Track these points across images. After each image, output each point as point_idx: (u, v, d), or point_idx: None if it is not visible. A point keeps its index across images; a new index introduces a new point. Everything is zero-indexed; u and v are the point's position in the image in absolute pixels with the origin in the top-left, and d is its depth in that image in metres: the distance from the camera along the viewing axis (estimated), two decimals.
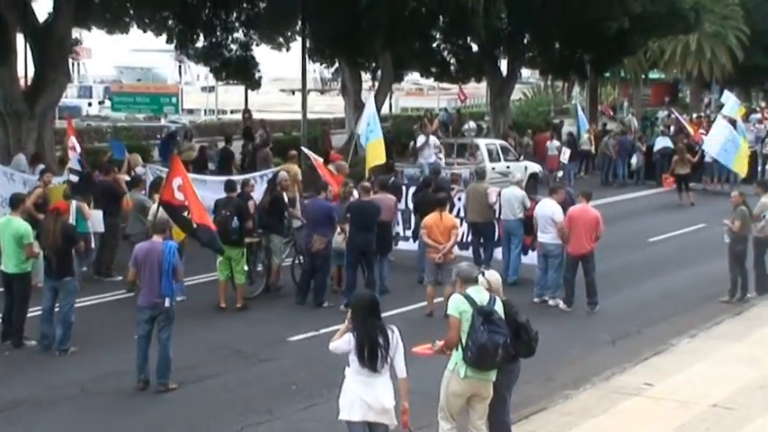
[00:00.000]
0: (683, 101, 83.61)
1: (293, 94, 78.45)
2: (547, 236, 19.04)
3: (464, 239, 21.58)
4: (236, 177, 22.84)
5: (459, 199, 22.30)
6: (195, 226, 16.06)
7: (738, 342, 15.88)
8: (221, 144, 33.59)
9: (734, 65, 70.07)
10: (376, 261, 19.06)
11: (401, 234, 22.76)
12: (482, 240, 21.53)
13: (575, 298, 18.73)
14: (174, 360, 13.67)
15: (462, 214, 21.86)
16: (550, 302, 18.97)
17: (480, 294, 10.32)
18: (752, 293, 19.74)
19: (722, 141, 26.02)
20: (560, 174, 34.51)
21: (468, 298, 10.23)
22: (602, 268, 20.32)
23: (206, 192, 20.73)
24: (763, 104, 78.27)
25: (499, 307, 10.30)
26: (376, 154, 25.10)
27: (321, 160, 24.51)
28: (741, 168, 27.37)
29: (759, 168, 39.26)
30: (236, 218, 18.34)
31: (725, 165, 28.61)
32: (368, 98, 26.14)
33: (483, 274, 10.73)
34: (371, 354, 9.46)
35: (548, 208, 19.16)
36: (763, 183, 21.32)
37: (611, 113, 70.68)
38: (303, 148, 27.96)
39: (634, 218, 30.29)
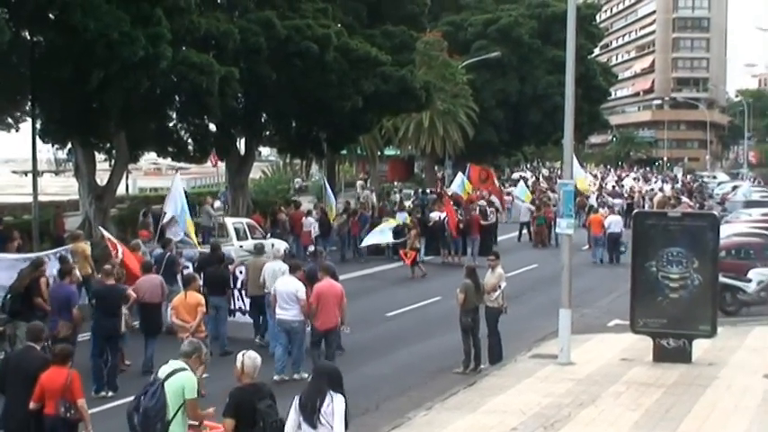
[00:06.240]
0: (418, 176, 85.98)
1: (26, 175, 75.98)
2: (289, 312, 19.13)
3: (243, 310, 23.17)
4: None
5: (241, 272, 23.15)
6: None
7: (473, 412, 16.18)
8: None
9: (465, 141, 72.84)
10: (150, 341, 19.37)
11: None
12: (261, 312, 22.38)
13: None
14: None
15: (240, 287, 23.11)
16: (295, 376, 18.97)
17: (164, 367, 10.88)
18: (485, 364, 20.28)
19: None
20: (312, 248, 34.60)
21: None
22: (342, 344, 20.52)
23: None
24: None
25: (175, 381, 10.60)
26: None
27: (116, 241, 24.37)
28: None
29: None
30: None
31: None
32: (175, 177, 27.15)
33: (242, 355, 10.77)
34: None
35: (291, 285, 19.29)
36: (497, 254, 22.05)
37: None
38: (101, 228, 27.85)
39: (372, 293, 30.72)
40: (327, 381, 10.30)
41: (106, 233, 25.66)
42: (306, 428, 10.18)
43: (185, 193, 31.48)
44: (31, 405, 11.94)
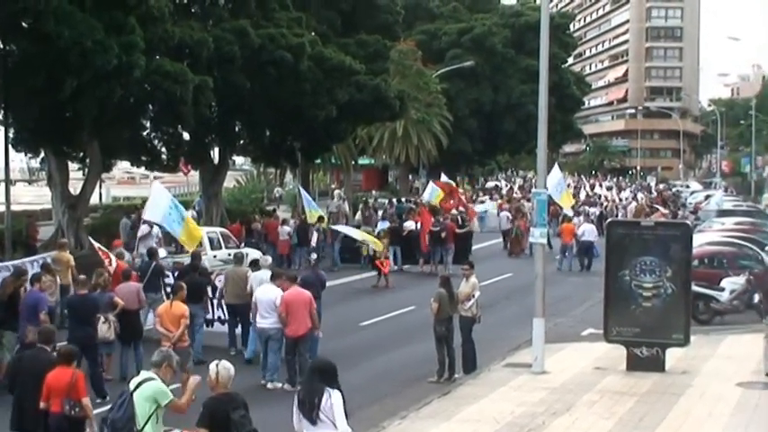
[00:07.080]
0: (392, 186, 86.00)
1: None
2: (268, 320, 19.32)
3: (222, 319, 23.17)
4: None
5: (221, 281, 23.17)
6: None
7: (447, 421, 16.19)
8: None
9: (439, 150, 72.89)
10: (126, 348, 19.64)
11: None
12: (239, 320, 22.40)
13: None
14: None
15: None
16: (269, 386, 19.04)
17: (135, 378, 11.12)
18: (459, 373, 20.29)
19: None
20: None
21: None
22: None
23: None
24: (468, 188, 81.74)
25: (145, 390, 10.76)
26: (194, 232, 26.35)
27: (104, 249, 24.78)
28: None
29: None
30: None
31: None
32: (154, 184, 27.31)
33: (217, 365, 10.79)
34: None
35: (271, 293, 19.49)
36: (471, 263, 22.04)
37: None
38: (91, 239, 27.92)
39: (346, 302, 30.66)
40: (322, 377, 10.60)
41: (96, 244, 25.83)
42: (306, 425, 10.45)
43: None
44: (41, 404, 12.42)
